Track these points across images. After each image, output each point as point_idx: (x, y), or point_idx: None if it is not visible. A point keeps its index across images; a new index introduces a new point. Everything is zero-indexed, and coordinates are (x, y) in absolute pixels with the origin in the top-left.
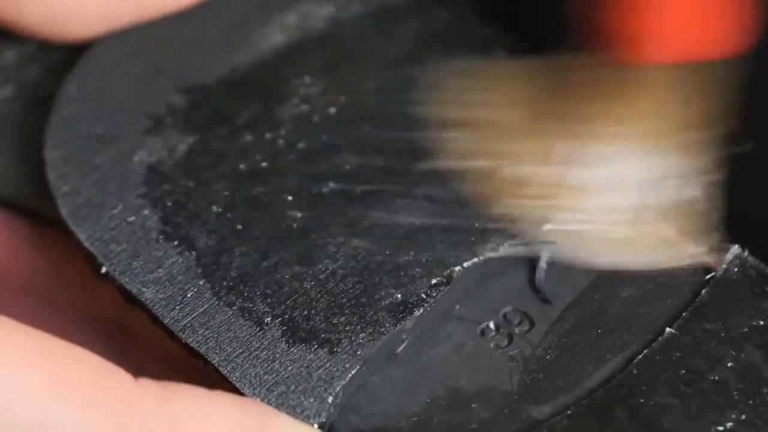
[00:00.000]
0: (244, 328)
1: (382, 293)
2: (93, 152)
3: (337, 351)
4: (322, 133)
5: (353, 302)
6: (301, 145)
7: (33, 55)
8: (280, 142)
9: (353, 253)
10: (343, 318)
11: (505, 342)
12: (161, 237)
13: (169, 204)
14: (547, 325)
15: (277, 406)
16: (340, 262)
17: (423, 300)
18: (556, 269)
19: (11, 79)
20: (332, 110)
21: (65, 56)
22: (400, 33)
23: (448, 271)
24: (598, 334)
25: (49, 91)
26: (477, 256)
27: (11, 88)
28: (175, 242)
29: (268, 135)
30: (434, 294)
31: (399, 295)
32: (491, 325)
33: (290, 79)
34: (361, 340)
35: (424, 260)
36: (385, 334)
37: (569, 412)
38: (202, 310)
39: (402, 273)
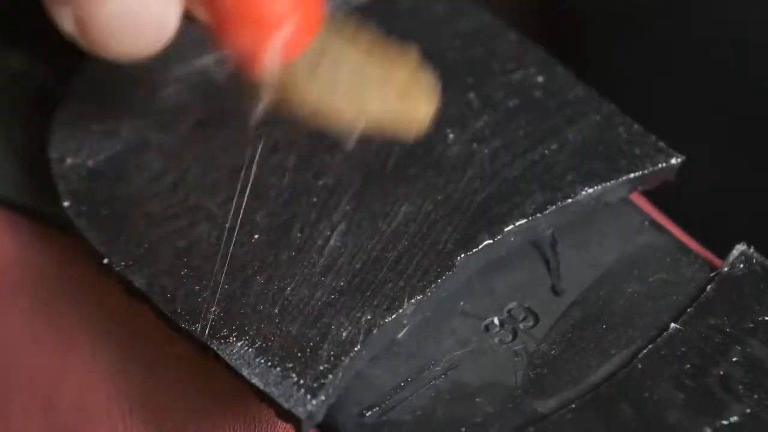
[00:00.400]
0: (243, 313)
1: (384, 278)
2: (96, 152)
3: (337, 335)
4: None
5: (354, 286)
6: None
7: (38, 58)
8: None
9: (354, 241)
10: (345, 301)
11: (510, 337)
12: (163, 228)
13: (171, 196)
14: (551, 320)
15: (274, 389)
16: (342, 248)
17: (423, 287)
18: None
19: (16, 82)
20: None
21: (70, 59)
22: None
23: None
24: (602, 330)
25: (54, 93)
26: None
27: (16, 91)
28: (177, 233)
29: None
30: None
31: (401, 282)
32: (495, 320)
33: None
34: (361, 324)
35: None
36: (387, 318)
37: (573, 406)
38: (201, 298)
39: (403, 259)
